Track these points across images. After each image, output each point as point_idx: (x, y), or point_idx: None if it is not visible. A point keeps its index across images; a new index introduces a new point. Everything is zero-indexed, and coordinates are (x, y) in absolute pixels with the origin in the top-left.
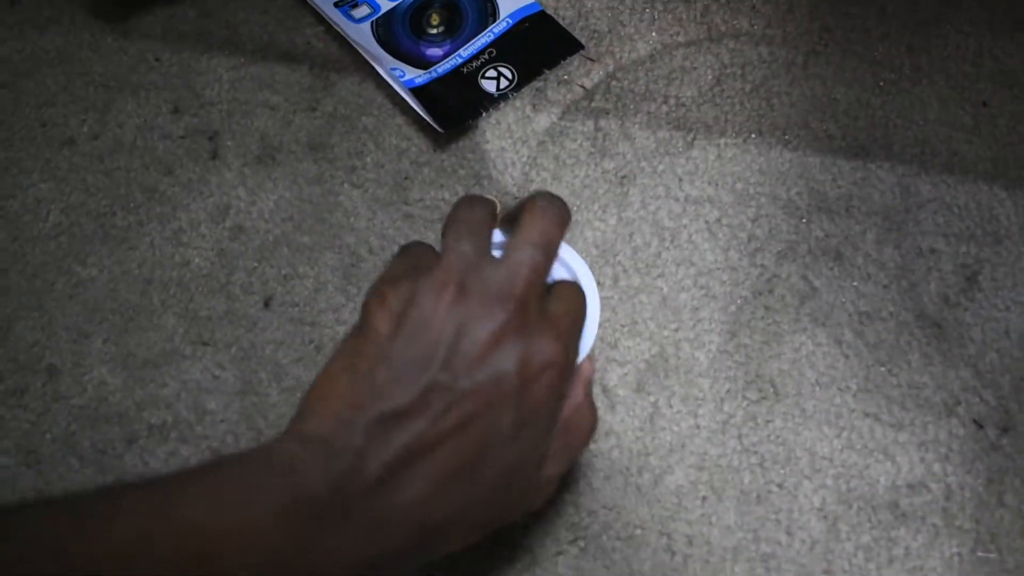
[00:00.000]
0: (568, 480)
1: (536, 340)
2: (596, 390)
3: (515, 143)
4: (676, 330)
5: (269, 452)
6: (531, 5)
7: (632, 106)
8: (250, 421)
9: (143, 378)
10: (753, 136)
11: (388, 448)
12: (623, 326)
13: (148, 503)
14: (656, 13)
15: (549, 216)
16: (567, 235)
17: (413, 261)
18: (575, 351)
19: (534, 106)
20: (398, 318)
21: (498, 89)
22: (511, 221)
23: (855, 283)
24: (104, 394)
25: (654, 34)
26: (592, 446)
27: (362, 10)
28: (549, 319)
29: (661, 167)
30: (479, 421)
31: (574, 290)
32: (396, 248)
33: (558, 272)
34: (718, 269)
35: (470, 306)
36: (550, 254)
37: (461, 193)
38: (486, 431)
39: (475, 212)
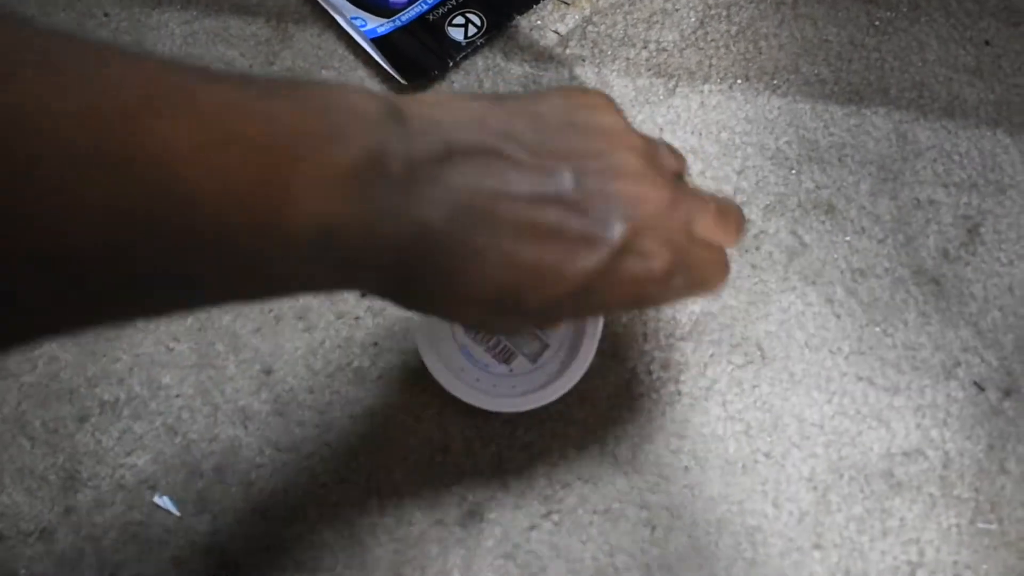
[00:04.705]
0: (540, 449)
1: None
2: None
3: None
4: None
5: (343, 94)
6: None
7: (610, 52)
8: (206, 395)
9: (95, 352)
10: (739, 82)
11: (472, 142)
12: None
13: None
14: None
15: None
16: None
17: None
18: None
19: (505, 55)
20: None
21: (466, 37)
22: None
23: (848, 238)
24: (55, 370)
25: None
26: (565, 412)
27: None
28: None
29: (641, 116)
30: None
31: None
32: None
33: None
34: None
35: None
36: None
37: None
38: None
39: None
